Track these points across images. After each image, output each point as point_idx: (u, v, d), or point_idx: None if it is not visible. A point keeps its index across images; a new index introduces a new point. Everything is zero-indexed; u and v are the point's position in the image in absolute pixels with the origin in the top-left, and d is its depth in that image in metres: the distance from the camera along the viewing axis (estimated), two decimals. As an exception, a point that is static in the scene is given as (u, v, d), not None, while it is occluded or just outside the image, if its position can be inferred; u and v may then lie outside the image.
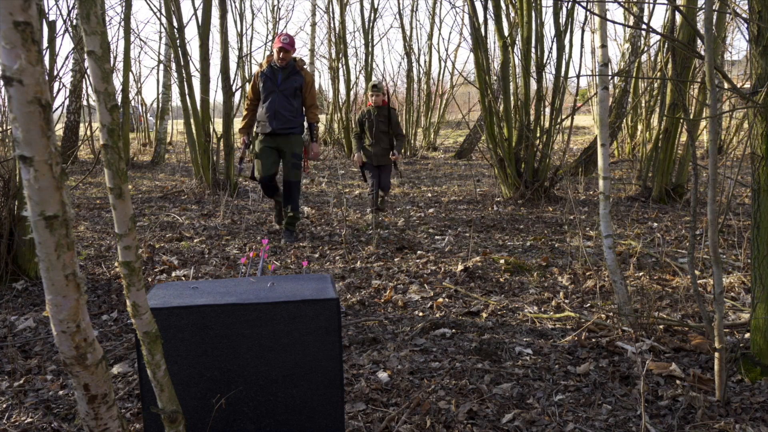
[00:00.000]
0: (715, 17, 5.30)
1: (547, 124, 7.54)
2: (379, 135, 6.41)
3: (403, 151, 7.86)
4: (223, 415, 2.13)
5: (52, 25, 4.33)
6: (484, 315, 3.63)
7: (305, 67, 5.64)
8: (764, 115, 2.53)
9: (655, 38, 9.55)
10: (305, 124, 5.65)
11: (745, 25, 2.61)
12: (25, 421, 2.41)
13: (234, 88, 8.49)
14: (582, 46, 7.72)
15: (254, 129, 5.62)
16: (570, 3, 6.90)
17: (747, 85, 2.79)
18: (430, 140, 16.09)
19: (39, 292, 3.99)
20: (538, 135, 7.48)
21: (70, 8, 5.37)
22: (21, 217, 4.03)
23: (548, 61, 7.47)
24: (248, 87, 5.76)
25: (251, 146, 5.63)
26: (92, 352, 1.41)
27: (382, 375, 2.80)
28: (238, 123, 6.45)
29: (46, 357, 3.05)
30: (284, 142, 5.45)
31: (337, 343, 2.17)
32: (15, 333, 3.36)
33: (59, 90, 4.57)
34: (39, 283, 4.12)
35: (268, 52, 6.39)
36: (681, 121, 6.79)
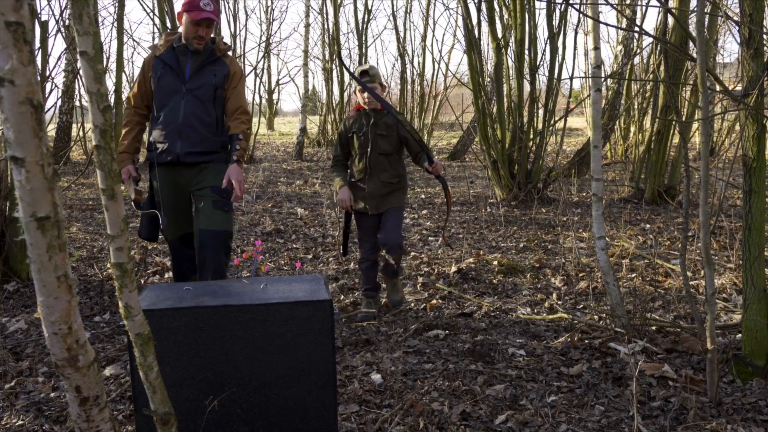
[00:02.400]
0: (706, 20, 5.34)
1: (540, 126, 7.56)
2: (376, 160, 3.56)
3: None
4: (216, 417, 2.12)
5: (44, 26, 4.31)
6: (478, 316, 3.64)
7: (229, 53, 3.39)
8: (755, 117, 2.55)
9: (647, 41, 9.61)
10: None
11: (737, 27, 2.62)
12: (16, 424, 2.39)
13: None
14: (575, 48, 7.75)
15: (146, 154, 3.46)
16: (563, 5, 6.92)
17: (738, 88, 2.81)
18: (424, 142, 16.11)
19: (31, 294, 3.97)
20: (531, 136, 7.50)
21: (62, 8, 5.35)
22: (12, 218, 4.01)
23: (541, 63, 7.50)
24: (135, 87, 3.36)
25: (149, 182, 3.37)
26: (84, 354, 1.41)
27: (376, 376, 2.80)
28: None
29: (37, 359, 3.04)
30: (196, 178, 3.23)
31: (330, 344, 2.16)
32: (6, 335, 3.34)
33: (51, 90, 4.55)
34: (30, 284, 4.10)
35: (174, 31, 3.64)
36: (673, 123, 6.83)
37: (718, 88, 2.81)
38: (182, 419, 2.09)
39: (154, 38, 13.68)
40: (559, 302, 3.88)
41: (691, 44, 5.98)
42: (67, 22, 5.60)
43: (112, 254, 1.50)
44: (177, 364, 2.09)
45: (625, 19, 9.12)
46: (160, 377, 1.68)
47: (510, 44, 7.55)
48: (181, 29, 3.25)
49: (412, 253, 5.11)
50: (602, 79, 3.98)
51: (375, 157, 3.56)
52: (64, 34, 5.55)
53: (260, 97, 17.29)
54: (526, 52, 7.36)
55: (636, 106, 11.06)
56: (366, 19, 13.72)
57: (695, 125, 7.82)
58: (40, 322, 3.47)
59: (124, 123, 3.34)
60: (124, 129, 3.32)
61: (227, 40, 12.66)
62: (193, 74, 3.22)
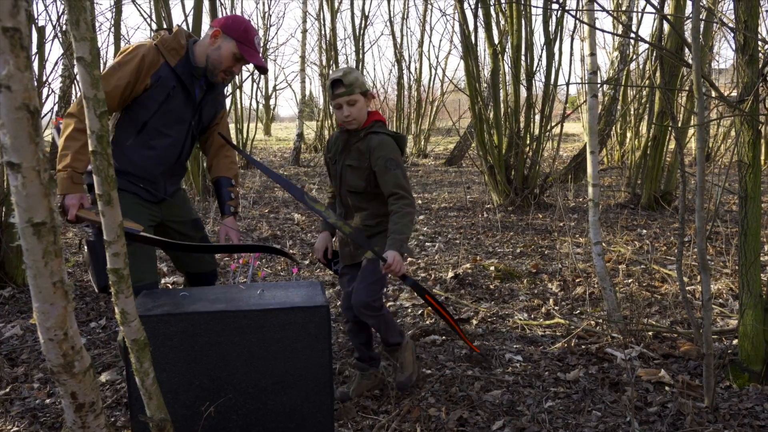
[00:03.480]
0: (702, 26, 5.36)
1: (536, 132, 7.58)
2: (348, 197, 2.67)
3: (405, 240, 2.45)
4: (213, 423, 2.11)
5: (41, 31, 4.31)
6: (475, 322, 3.64)
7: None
8: (751, 123, 2.56)
9: (643, 47, 9.64)
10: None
11: (732, 34, 2.64)
12: (12, 430, 2.38)
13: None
14: (571, 54, 7.79)
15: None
16: (559, 11, 6.95)
17: (734, 94, 2.82)
18: (421, 147, 16.14)
19: (26, 300, 3.95)
20: (527, 142, 7.51)
21: (59, 14, 5.35)
22: (8, 224, 4.00)
23: (538, 69, 7.51)
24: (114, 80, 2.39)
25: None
26: (80, 360, 1.40)
27: (373, 382, 2.79)
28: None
29: (32, 365, 3.02)
30: (176, 212, 2.74)
31: (327, 350, 2.16)
32: (1, 340, 3.32)
33: (48, 96, 4.54)
34: (26, 290, 4.08)
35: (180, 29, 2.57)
36: (669, 128, 6.85)
37: (713, 94, 2.82)
38: (178, 425, 2.08)
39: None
40: (556, 308, 3.88)
41: (686, 50, 6.01)
42: (64, 27, 5.61)
43: (108, 260, 1.50)
44: (173, 370, 2.08)
45: (621, 26, 9.16)
46: (156, 383, 1.67)
47: (506, 50, 7.57)
48: (204, 47, 2.53)
49: (409, 259, 5.11)
50: (598, 85, 3.99)
51: (345, 194, 2.65)
52: (61, 39, 5.55)
53: (257, 102, 17.29)
54: (523, 57, 7.38)
55: (632, 112, 11.09)
56: (363, 25, 13.75)
57: (691, 131, 7.85)
58: (35, 328, 3.46)
59: (75, 126, 2.30)
60: (74, 132, 2.30)
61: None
62: (202, 104, 2.63)
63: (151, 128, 2.50)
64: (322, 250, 2.78)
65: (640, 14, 8.84)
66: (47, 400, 2.64)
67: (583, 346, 3.19)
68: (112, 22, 7.57)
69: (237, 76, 2.69)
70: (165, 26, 7.70)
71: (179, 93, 2.51)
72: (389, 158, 2.50)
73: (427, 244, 5.75)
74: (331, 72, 13.57)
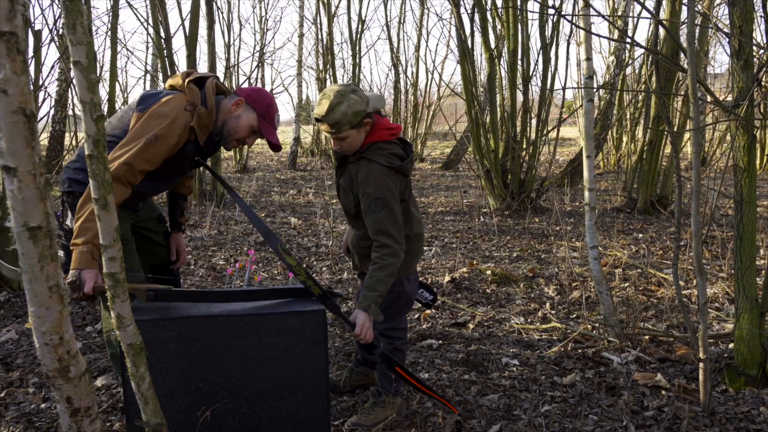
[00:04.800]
0: (697, 32, 5.39)
1: (533, 136, 7.59)
2: (348, 217, 2.54)
3: (378, 299, 2.19)
4: (209, 428, 2.11)
5: (37, 35, 4.31)
6: (471, 326, 3.64)
7: None
8: (746, 127, 2.57)
9: (639, 51, 9.68)
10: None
11: (727, 39, 2.65)
12: (6, 435, 2.37)
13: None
14: (567, 58, 7.80)
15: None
16: (555, 16, 6.97)
17: (729, 98, 2.83)
18: (417, 151, 16.16)
19: (22, 304, 3.94)
20: (524, 146, 7.53)
21: (56, 18, 5.35)
22: (4, 228, 3.99)
23: (534, 74, 7.53)
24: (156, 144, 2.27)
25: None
26: (75, 365, 1.40)
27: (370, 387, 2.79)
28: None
29: (28, 369, 3.01)
30: (145, 213, 2.66)
31: (324, 354, 2.16)
32: (-4, 345, 3.31)
33: (44, 100, 4.54)
34: (22, 294, 4.07)
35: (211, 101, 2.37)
36: (665, 133, 6.87)
37: (709, 98, 2.83)
38: (174, 430, 2.08)
39: (147, 47, 13.64)
40: (553, 312, 3.88)
41: (682, 55, 6.03)
42: (60, 31, 5.60)
43: (104, 264, 1.49)
44: (169, 375, 2.08)
45: (616, 31, 9.19)
46: (152, 388, 1.67)
47: (503, 54, 7.59)
48: (224, 112, 2.42)
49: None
50: (594, 90, 4.00)
51: (346, 214, 2.51)
52: (57, 43, 5.55)
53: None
54: (519, 62, 7.40)
55: (628, 117, 11.13)
56: (360, 30, 13.76)
57: (687, 135, 7.87)
58: (30, 332, 3.44)
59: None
60: (125, 181, 2.23)
61: (221, 50, 12.65)
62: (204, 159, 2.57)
63: (148, 176, 2.35)
64: (346, 245, 2.76)
65: (635, 19, 8.88)
66: (42, 405, 2.63)
67: (579, 350, 3.20)
68: (109, 26, 7.56)
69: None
70: (162, 30, 7.68)
71: (193, 151, 2.42)
72: (374, 198, 2.23)
73: (424, 248, 5.75)
74: (327, 78, 13.62)
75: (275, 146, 2.51)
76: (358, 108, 2.25)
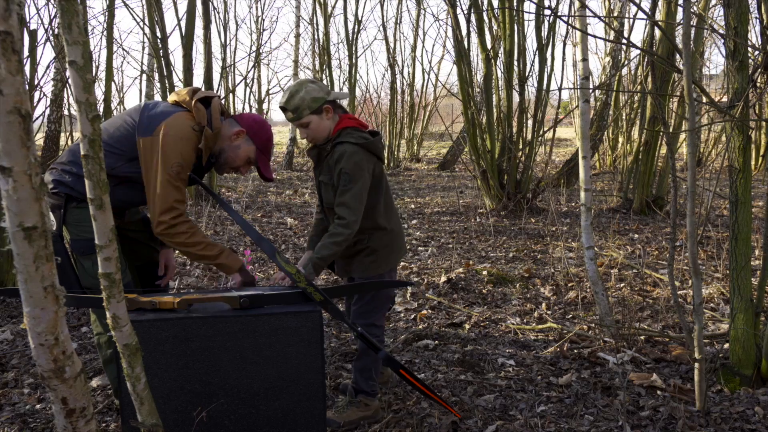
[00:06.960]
0: (693, 33, 5.40)
1: (529, 136, 7.60)
2: (329, 212, 2.54)
3: (318, 261, 2.35)
4: (204, 429, 2.10)
5: (33, 34, 4.30)
6: (467, 326, 3.64)
7: None
8: (741, 128, 2.58)
9: (635, 52, 9.70)
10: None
11: (722, 40, 2.66)
12: (1, 436, 2.36)
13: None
14: (563, 59, 7.81)
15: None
16: (552, 17, 6.98)
17: (724, 99, 2.84)
18: (414, 151, 16.15)
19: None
20: (520, 147, 7.54)
21: (51, 17, 5.33)
22: (-1, 228, 3.97)
23: (530, 74, 7.54)
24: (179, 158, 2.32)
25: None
26: (71, 365, 1.39)
27: (365, 387, 2.78)
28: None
29: (23, 370, 3.00)
30: (130, 215, 2.62)
31: (320, 355, 2.16)
32: (-9, 346, 3.30)
33: (40, 99, 4.52)
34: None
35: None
36: (661, 134, 6.89)
37: (704, 99, 2.84)
38: (170, 431, 2.07)
39: (143, 47, 13.60)
40: (549, 312, 3.89)
41: (677, 56, 6.05)
42: (56, 31, 5.58)
43: (100, 264, 1.49)
44: (165, 375, 2.07)
45: (612, 31, 9.21)
46: (148, 388, 1.67)
47: (499, 55, 7.59)
48: (223, 139, 2.42)
49: (402, 263, 5.11)
50: (590, 90, 4.01)
51: (327, 209, 2.54)
52: (53, 42, 5.53)
53: (250, 107, 17.26)
54: (515, 63, 7.40)
55: (624, 117, 11.15)
56: (356, 30, 13.76)
57: (682, 136, 7.89)
58: (26, 333, 3.43)
59: (191, 225, 2.36)
60: (193, 231, 2.36)
61: (217, 49, 12.64)
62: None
63: (137, 186, 2.36)
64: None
65: (631, 20, 8.89)
66: (37, 406, 2.62)
67: (575, 351, 3.20)
68: (105, 26, 7.54)
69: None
70: (158, 30, 7.67)
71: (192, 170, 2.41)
72: (344, 172, 2.33)
73: (419, 248, 5.75)
74: (324, 78, 13.61)
75: (269, 180, 2.54)
76: (316, 95, 2.37)
